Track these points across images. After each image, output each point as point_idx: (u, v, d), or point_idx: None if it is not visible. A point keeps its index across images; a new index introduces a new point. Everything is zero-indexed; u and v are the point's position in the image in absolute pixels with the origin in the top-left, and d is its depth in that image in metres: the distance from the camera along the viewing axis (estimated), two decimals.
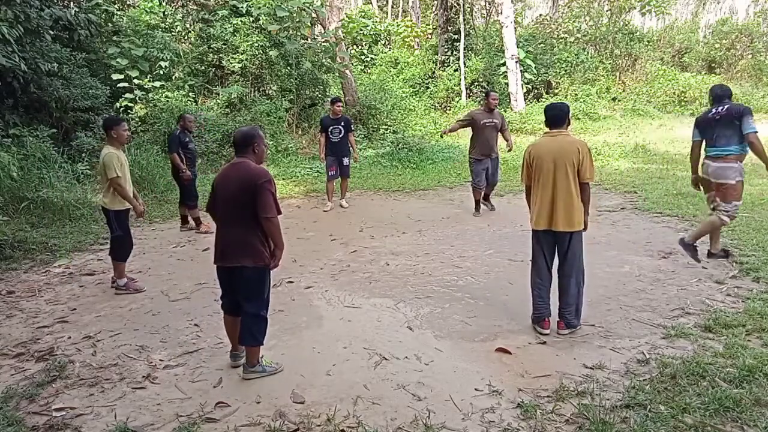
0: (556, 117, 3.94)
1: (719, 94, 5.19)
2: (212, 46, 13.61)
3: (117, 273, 5.10)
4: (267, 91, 13.98)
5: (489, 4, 23.13)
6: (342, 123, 8.15)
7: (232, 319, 3.57)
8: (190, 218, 7.35)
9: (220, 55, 13.62)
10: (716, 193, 5.16)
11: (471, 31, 20.75)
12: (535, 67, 18.58)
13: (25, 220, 7.20)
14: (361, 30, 21.33)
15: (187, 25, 15.09)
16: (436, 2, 23.11)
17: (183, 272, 5.68)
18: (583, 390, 3.19)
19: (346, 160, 8.30)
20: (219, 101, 13.04)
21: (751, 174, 9.25)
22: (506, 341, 3.89)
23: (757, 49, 22.47)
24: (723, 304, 4.35)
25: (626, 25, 21.02)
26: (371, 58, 21.72)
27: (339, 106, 8.19)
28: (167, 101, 11.82)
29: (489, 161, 7.49)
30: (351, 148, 8.39)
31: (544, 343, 3.86)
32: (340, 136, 8.15)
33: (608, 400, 3.08)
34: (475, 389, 3.28)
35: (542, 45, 19.99)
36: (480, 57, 19.64)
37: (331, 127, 8.13)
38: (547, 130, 4.02)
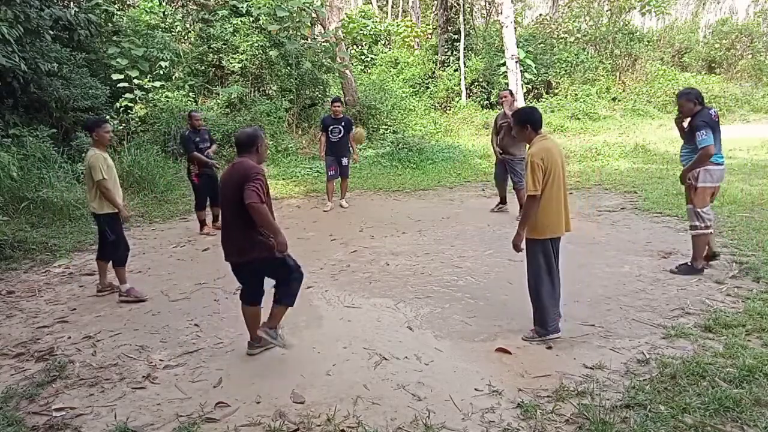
0: (542, 119, 3.85)
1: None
2: (212, 46, 13.61)
3: (118, 278, 5.02)
4: (267, 91, 13.98)
5: (489, 4, 23.12)
6: (342, 123, 8.16)
7: (250, 310, 3.71)
8: (207, 220, 7.24)
9: (220, 55, 13.61)
10: (713, 196, 4.99)
11: (471, 31, 20.74)
12: (535, 67, 18.57)
13: (25, 220, 7.19)
14: (361, 30, 21.28)
15: (187, 25, 15.09)
16: (436, 2, 23.10)
17: (183, 272, 5.67)
18: (583, 390, 3.19)
19: (345, 160, 8.30)
20: (219, 101, 13.04)
21: (751, 174, 9.28)
22: (506, 341, 3.89)
23: (757, 49, 22.47)
24: (723, 304, 4.34)
25: (626, 25, 21.01)
26: (371, 58, 21.71)
27: (337, 106, 8.19)
28: (167, 101, 11.82)
29: (506, 160, 7.41)
30: (351, 149, 8.39)
31: (545, 342, 3.86)
32: (340, 136, 8.15)
33: (608, 400, 3.08)
34: (475, 389, 3.28)
35: (542, 45, 19.99)
36: (480, 57, 19.62)
37: (331, 127, 8.14)
38: (540, 132, 3.80)
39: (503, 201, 7.80)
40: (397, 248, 6.27)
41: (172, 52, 12.72)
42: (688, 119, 4.94)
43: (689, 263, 5.07)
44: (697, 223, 4.95)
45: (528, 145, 3.86)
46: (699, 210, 4.91)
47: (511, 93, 7.60)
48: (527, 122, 3.78)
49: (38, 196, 7.53)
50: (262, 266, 3.59)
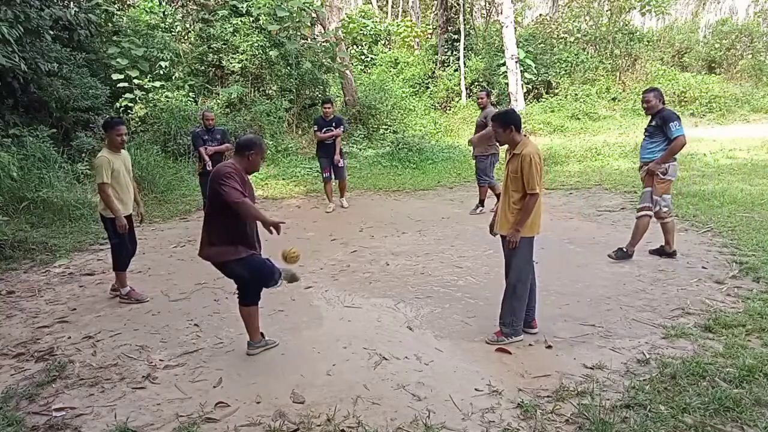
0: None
1: None
2: (212, 46, 13.61)
3: (118, 282, 4.91)
4: (267, 91, 13.97)
5: (489, 4, 23.12)
6: (333, 124, 8.12)
7: (246, 309, 3.73)
8: None
9: (220, 55, 13.61)
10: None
11: (471, 31, 20.71)
12: (535, 67, 18.56)
13: (25, 220, 7.19)
14: (361, 30, 21.31)
15: (187, 25, 15.08)
16: (436, 2, 23.09)
17: (183, 272, 5.67)
18: (583, 390, 3.19)
19: (341, 162, 8.27)
20: (219, 101, 13.03)
21: (751, 174, 9.27)
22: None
23: (757, 49, 22.42)
24: (723, 304, 4.34)
25: (626, 25, 20.97)
26: (371, 58, 21.69)
27: (327, 108, 8.12)
28: (167, 101, 11.81)
29: (476, 156, 7.68)
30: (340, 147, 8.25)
31: (545, 342, 3.86)
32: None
33: (608, 400, 3.08)
34: (475, 389, 3.28)
35: (542, 45, 19.97)
36: (480, 57, 19.61)
37: (324, 128, 8.13)
38: (523, 134, 3.79)
39: (482, 203, 7.86)
40: (397, 248, 6.27)
41: (172, 52, 12.71)
42: (650, 117, 5.34)
43: (624, 249, 5.43)
44: (649, 204, 5.29)
45: (511, 146, 3.78)
46: (657, 197, 5.27)
47: (487, 94, 7.84)
48: (512, 123, 3.72)
49: (38, 196, 7.53)
50: (229, 267, 3.59)
